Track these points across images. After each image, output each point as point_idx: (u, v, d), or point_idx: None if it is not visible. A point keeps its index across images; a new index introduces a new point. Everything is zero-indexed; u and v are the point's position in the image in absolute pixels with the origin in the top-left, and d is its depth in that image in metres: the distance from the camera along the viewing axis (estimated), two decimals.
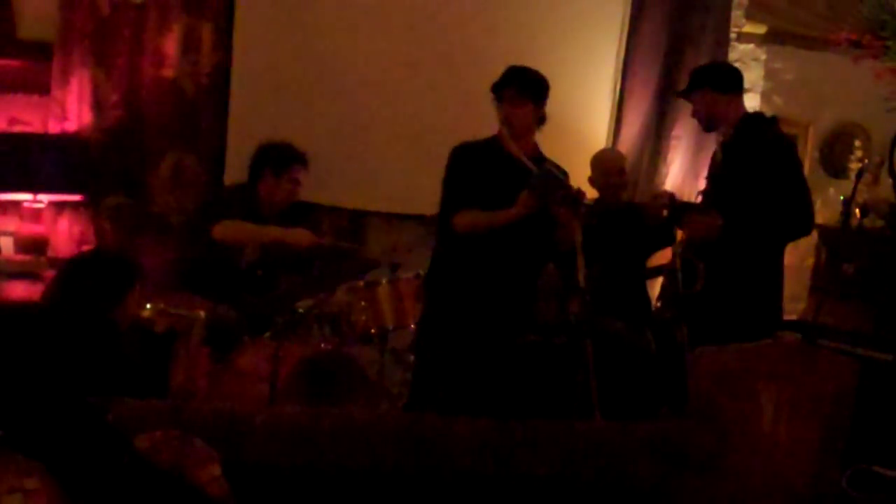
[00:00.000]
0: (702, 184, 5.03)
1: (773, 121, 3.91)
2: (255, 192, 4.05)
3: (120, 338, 2.87)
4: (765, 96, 5.44)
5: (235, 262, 3.93)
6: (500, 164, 3.68)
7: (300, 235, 3.85)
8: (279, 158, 4.03)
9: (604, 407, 3.21)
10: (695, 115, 3.96)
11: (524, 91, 3.68)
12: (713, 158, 4.02)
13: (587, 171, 4.47)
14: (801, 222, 3.73)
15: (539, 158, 3.73)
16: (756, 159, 3.68)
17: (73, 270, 2.85)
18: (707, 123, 3.94)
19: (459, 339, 3.67)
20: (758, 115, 4.01)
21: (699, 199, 4.04)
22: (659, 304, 4.24)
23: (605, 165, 4.50)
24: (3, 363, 1.73)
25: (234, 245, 3.91)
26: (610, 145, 5.16)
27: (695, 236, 3.74)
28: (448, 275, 3.77)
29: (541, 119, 3.76)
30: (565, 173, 3.72)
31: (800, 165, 3.80)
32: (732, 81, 3.89)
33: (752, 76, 5.40)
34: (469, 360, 3.68)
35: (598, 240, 3.91)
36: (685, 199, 5.16)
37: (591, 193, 4.63)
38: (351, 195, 5.07)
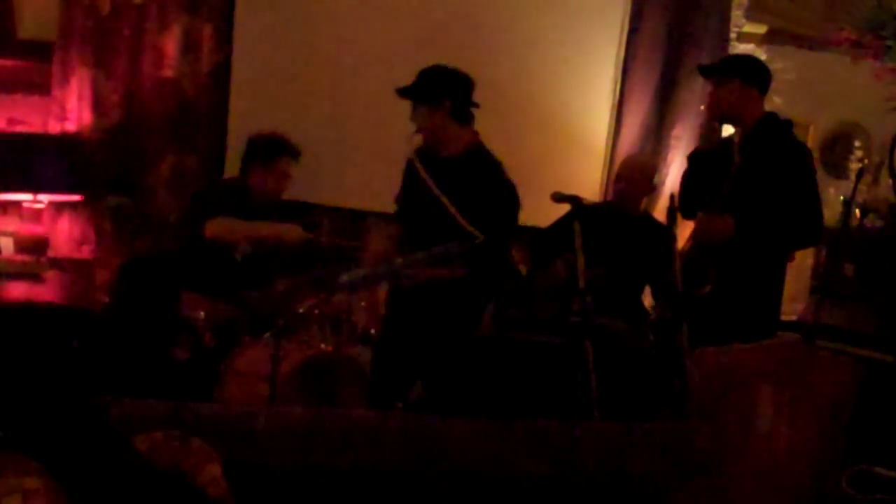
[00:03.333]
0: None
1: (790, 124, 3.77)
2: (245, 185, 4.05)
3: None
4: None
5: (230, 255, 3.92)
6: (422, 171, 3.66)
7: (291, 231, 3.87)
8: (267, 151, 4.02)
9: (604, 407, 3.21)
10: (712, 102, 3.76)
11: (412, 97, 3.61)
12: (722, 157, 3.74)
13: (587, 171, 4.46)
14: (813, 232, 3.71)
15: (474, 152, 3.65)
16: (776, 164, 3.59)
17: (136, 275, 2.91)
18: (723, 116, 3.79)
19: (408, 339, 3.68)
20: (776, 117, 3.78)
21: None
22: (656, 304, 4.19)
23: (618, 169, 4.48)
24: (5, 363, 1.73)
25: (226, 242, 3.91)
26: (610, 145, 5.16)
27: (705, 239, 3.63)
28: None
29: (455, 113, 3.61)
30: (497, 162, 3.67)
31: (815, 174, 3.73)
32: (765, 81, 3.73)
33: None
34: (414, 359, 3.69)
35: (600, 242, 3.90)
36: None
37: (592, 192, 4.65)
38: (351, 195, 5.06)
